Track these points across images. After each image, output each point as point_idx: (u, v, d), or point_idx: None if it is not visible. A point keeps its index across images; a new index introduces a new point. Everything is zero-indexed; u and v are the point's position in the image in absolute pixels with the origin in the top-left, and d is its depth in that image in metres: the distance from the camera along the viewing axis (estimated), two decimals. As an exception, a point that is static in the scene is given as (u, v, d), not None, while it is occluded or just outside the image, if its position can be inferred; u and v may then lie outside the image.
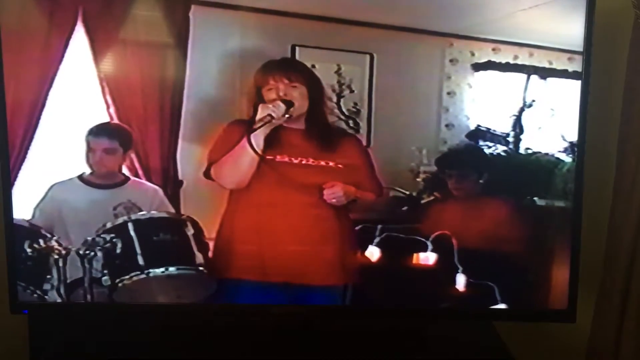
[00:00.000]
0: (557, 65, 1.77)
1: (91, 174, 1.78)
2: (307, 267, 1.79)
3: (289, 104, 1.71)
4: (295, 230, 1.79)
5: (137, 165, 1.77)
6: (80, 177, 1.77)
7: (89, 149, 1.75)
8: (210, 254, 1.78)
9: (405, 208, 1.82)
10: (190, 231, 1.78)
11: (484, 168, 1.81)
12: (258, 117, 1.70)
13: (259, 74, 1.72)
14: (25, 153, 1.72)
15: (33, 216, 1.76)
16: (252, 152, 1.70)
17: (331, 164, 1.77)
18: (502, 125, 1.79)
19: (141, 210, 1.77)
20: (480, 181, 1.82)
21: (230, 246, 1.78)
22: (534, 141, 1.80)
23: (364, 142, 1.80)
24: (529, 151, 1.81)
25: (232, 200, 1.78)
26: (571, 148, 1.78)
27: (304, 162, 1.76)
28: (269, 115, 1.69)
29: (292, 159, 1.75)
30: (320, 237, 1.80)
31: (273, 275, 1.78)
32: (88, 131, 1.74)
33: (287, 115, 1.71)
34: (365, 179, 1.79)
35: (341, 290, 1.83)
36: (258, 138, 1.71)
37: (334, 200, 1.76)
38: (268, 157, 1.73)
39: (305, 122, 1.77)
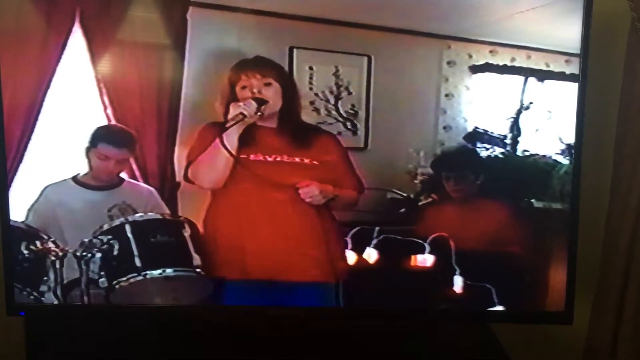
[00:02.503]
0: (555, 68, 1.78)
1: (85, 175, 1.77)
2: (289, 264, 1.78)
3: (260, 101, 1.70)
4: (274, 228, 1.77)
5: (134, 167, 1.77)
6: (75, 179, 1.77)
7: (102, 157, 1.74)
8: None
9: (402, 210, 1.82)
10: (187, 233, 1.77)
11: (482, 170, 1.81)
12: (230, 116, 1.70)
13: (232, 71, 1.71)
14: (23, 154, 1.72)
15: (28, 218, 1.75)
16: (225, 151, 1.70)
17: (306, 160, 1.76)
18: (500, 127, 1.80)
19: (136, 212, 1.76)
20: (478, 183, 1.82)
21: (214, 244, 1.77)
22: (532, 143, 1.81)
23: (342, 141, 1.79)
24: (527, 153, 1.82)
25: (214, 199, 1.77)
26: (568, 150, 1.78)
27: (278, 159, 1.75)
28: (241, 113, 1.68)
29: (267, 157, 1.74)
30: (301, 234, 1.79)
31: (255, 272, 1.77)
32: (101, 138, 1.73)
33: (259, 113, 1.70)
34: (344, 176, 1.78)
35: (332, 289, 1.82)
36: (231, 137, 1.70)
37: (310, 199, 1.75)
38: (242, 155, 1.72)
39: (277, 120, 1.76)
